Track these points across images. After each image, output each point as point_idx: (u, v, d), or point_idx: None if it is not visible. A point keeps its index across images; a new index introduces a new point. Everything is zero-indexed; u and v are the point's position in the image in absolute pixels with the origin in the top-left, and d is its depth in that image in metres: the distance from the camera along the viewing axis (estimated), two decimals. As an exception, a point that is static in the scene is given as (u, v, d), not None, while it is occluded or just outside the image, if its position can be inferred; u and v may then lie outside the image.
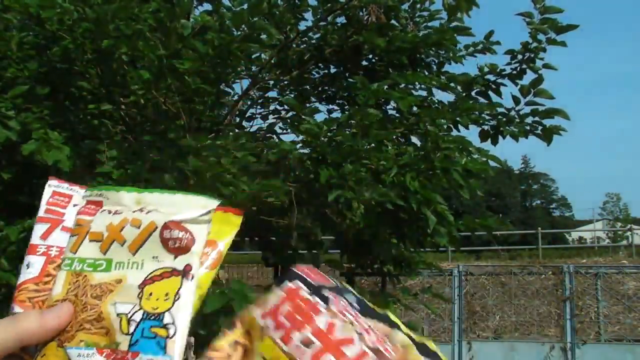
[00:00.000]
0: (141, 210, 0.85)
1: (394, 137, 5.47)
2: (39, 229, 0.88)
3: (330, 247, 6.66)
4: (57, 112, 4.78)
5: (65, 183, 0.95)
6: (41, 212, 0.90)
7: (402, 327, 0.82)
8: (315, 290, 0.82)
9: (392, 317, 0.84)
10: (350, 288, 0.87)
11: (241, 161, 4.92)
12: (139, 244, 0.82)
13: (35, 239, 0.86)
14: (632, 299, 9.85)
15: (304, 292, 0.81)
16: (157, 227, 0.83)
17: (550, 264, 11.75)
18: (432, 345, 0.82)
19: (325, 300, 0.80)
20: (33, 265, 0.85)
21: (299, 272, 0.84)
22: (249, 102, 6.83)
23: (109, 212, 0.87)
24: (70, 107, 5.04)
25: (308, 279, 0.83)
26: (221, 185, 4.79)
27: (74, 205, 0.90)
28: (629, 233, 22.96)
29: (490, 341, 9.53)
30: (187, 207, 0.85)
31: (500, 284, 10.32)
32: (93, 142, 4.74)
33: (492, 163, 5.18)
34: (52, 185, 0.95)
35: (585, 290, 9.82)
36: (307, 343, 0.75)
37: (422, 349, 0.78)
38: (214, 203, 0.87)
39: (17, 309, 0.81)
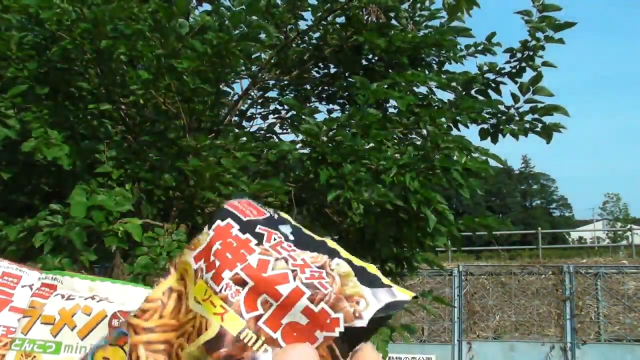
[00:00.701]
0: (93, 298, 0.88)
1: (394, 137, 5.46)
2: (22, 322, 0.90)
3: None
4: (57, 112, 4.78)
5: (15, 264, 0.98)
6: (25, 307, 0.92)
7: (342, 252, 0.80)
8: (247, 226, 0.79)
9: (330, 243, 0.82)
10: (286, 217, 0.84)
11: (241, 161, 4.91)
12: (88, 329, 0.84)
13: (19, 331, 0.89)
14: (632, 299, 9.84)
15: (235, 229, 0.78)
16: (106, 315, 0.86)
17: (550, 264, 11.74)
18: (371, 268, 0.79)
19: (258, 237, 0.77)
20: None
21: (230, 209, 0.81)
22: (249, 102, 6.83)
23: (62, 296, 0.90)
24: (69, 107, 5.04)
25: (239, 216, 0.80)
26: (221, 185, 4.79)
27: (23, 286, 0.92)
28: (628, 233, 22.96)
29: (490, 341, 9.52)
30: (136, 298, 0.87)
31: (500, 284, 10.31)
32: (93, 142, 4.74)
33: (492, 162, 5.18)
34: (2, 267, 0.97)
35: (585, 290, 9.82)
36: (239, 282, 0.72)
37: (361, 274, 0.76)
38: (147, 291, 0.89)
39: None
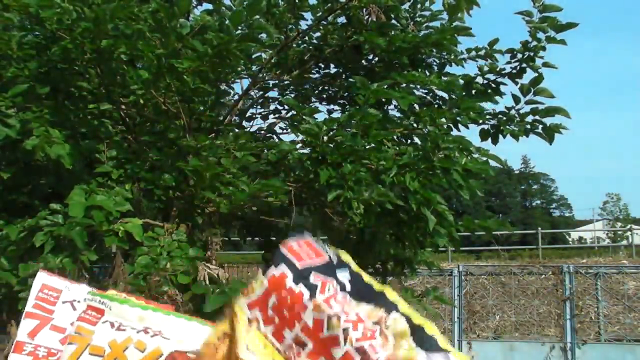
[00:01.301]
0: (145, 331, 0.83)
1: (394, 137, 5.46)
2: (26, 325, 0.85)
3: (335, 247, 6.65)
4: (57, 112, 4.78)
5: (56, 276, 0.93)
6: (29, 307, 0.87)
7: (402, 306, 0.78)
8: (300, 275, 0.79)
9: (390, 295, 0.81)
10: (347, 259, 0.84)
11: (241, 161, 4.91)
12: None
13: (22, 335, 0.83)
14: (632, 299, 9.84)
15: (289, 280, 0.78)
16: (162, 355, 0.82)
17: (550, 264, 11.74)
18: (430, 328, 0.78)
19: (312, 288, 0.77)
20: None
21: (286, 254, 0.81)
22: (249, 102, 6.83)
23: (112, 325, 0.85)
24: (70, 107, 5.04)
25: (294, 262, 0.80)
26: (221, 185, 4.79)
27: (64, 302, 0.87)
28: (629, 233, 22.96)
29: (490, 341, 9.52)
30: (191, 335, 0.83)
31: (500, 284, 10.31)
32: (93, 142, 4.74)
33: (492, 163, 5.18)
34: (42, 278, 0.92)
35: (585, 290, 9.82)
36: (300, 343, 0.73)
37: (419, 333, 0.75)
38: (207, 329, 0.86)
39: None
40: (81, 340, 0.83)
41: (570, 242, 35.85)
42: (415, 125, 5.41)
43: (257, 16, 4.51)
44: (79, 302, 0.90)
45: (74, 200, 4.21)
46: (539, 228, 24.58)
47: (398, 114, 5.77)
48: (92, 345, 0.83)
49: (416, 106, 5.64)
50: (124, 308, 0.86)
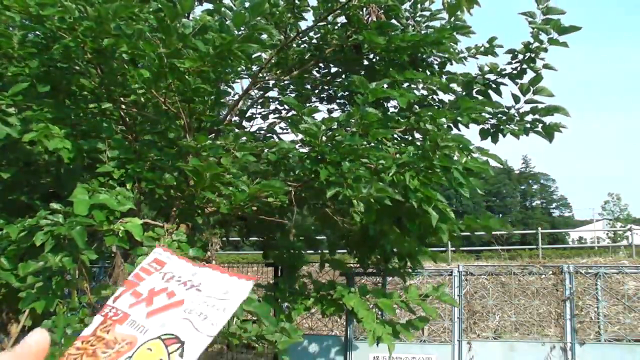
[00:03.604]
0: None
1: (394, 136, 5.47)
2: (118, 291, 0.91)
3: (336, 246, 6.66)
4: (58, 110, 4.78)
5: (169, 251, 0.97)
6: (131, 275, 0.93)
7: None
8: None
9: None
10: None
11: (241, 161, 4.92)
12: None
13: (110, 300, 0.89)
14: (632, 299, 9.84)
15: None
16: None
17: (550, 264, 11.74)
18: None
19: None
20: (91, 324, 0.88)
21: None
22: (249, 102, 6.83)
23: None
24: (70, 106, 5.04)
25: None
26: (221, 186, 4.80)
27: (159, 272, 0.92)
28: (629, 233, 22.96)
29: (490, 341, 9.52)
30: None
31: (500, 284, 10.32)
32: (94, 141, 4.74)
33: (492, 162, 5.18)
34: (156, 252, 0.98)
35: (585, 290, 9.82)
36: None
37: None
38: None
39: None
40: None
41: (570, 242, 35.84)
42: (415, 124, 5.42)
43: (258, 19, 4.51)
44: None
45: (78, 198, 4.21)
46: (539, 228, 24.58)
47: (398, 113, 5.77)
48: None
49: (416, 106, 5.65)
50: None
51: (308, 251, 6.96)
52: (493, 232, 5.95)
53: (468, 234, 5.90)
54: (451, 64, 6.05)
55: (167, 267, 0.93)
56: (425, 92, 5.93)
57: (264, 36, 4.75)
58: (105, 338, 0.84)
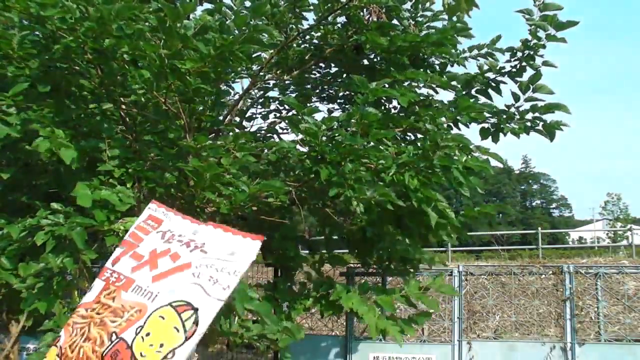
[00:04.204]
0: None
1: (394, 135, 5.46)
2: (116, 252, 0.88)
3: (336, 245, 6.67)
4: (58, 111, 4.78)
5: (163, 207, 0.95)
6: (127, 235, 0.90)
7: None
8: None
9: None
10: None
11: (241, 161, 4.92)
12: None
13: (109, 262, 0.87)
14: (632, 299, 9.84)
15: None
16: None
17: (550, 264, 11.73)
18: None
19: None
20: (92, 289, 0.85)
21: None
22: (249, 102, 6.83)
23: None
24: (71, 106, 5.04)
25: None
26: (221, 186, 4.80)
27: (157, 232, 0.89)
28: (629, 233, 22.95)
29: (490, 341, 9.51)
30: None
31: (500, 284, 10.31)
32: (94, 141, 4.74)
33: (492, 161, 5.19)
34: (151, 209, 0.96)
35: (585, 290, 9.82)
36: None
37: None
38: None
39: (62, 332, 0.81)
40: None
41: (570, 242, 35.83)
42: (415, 124, 5.42)
43: (258, 21, 4.52)
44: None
45: (80, 193, 4.22)
46: (539, 228, 24.57)
47: (398, 112, 5.78)
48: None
49: (416, 106, 5.65)
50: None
51: (308, 251, 6.96)
52: (493, 232, 5.94)
53: (467, 234, 5.89)
54: (452, 66, 6.05)
55: (165, 224, 0.91)
56: (425, 92, 5.93)
57: (265, 36, 4.75)
58: (112, 306, 0.82)
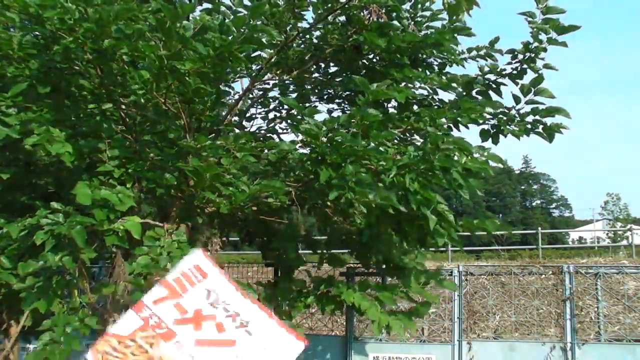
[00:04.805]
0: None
1: (394, 137, 5.46)
2: (157, 291, 0.84)
3: (336, 246, 6.67)
4: (58, 111, 4.78)
5: (209, 259, 0.92)
6: (171, 276, 0.87)
7: None
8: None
9: None
10: None
11: (241, 161, 4.92)
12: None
13: (148, 299, 0.83)
14: (632, 299, 9.84)
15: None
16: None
17: (550, 264, 11.73)
18: None
19: None
20: (129, 322, 0.81)
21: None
22: (249, 102, 6.83)
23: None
24: (70, 106, 5.05)
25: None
26: (221, 186, 4.80)
27: (205, 290, 0.87)
28: (629, 233, 22.93)
29: (490, 341, 9.52)
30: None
31: (500, 284, 10.31)
32: (94, 141, 4.75)
33: (492, 162, 5.18)
34: (198, 257, 0.92)
35: (585, 290, 9.82)
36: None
37: None
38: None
39: (89, 356, 0.79)
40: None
41: (570, 242, 35.81)
42: (416, 124, 5.42)
43: (259, 21, 4.51)
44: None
45: (80, 191, 4.22)
46: (539, 228, 24.56)
47: (398, 113, 5.77)
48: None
49: (415, 107, 5.64)
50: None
51: (307, 251, 6.96)
52: (493, 233, 5.93)
53: (468, 233, 5.90)
54: (450, 66, 6.05)
55: (210, 282, 0.88)
56: (425, 92, 5.93)
57: (264, 38, 4.75)
58: (149, 352, 0.78)
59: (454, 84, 5.82)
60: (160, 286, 0.84)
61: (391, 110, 5.95)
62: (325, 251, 6.45)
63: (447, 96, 6.12)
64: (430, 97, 5.97)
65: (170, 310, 0.81)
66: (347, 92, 6.43)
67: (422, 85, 5.76)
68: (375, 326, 5.46)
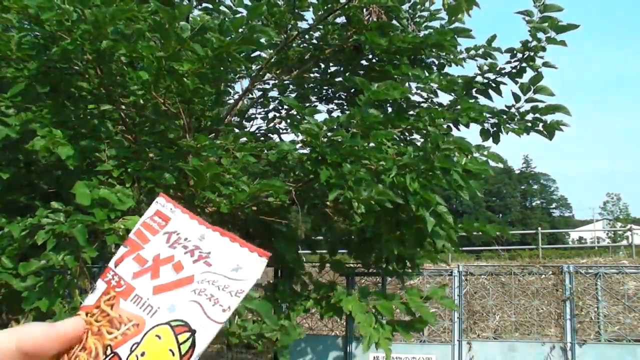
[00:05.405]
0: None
1: (394, 137, 5.46)
2: (120, 251, 0.82)
3: (335, 246, 6.67)
4: (57, 111, 4.78)
5: (172, 203, 0.89)
6: (132, 233, 0.85)
7: None
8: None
9: None
10: None
11: (241, 161, 4.92)
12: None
13: (112, 262, 0.81)
14: (632, 299, 9.84)
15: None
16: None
17: (550, 264, 11.74)
18: None
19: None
20: (95, 291, 0.80)
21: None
22: (249, 102, 6.83)
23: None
24: (70, 107, 5.04)
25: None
26: (221, 186, 4.79)
27: (164, 234, 0.84)
28: (629, 233, 22.97)
29: (490, 341, 9.52)
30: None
31: (500, 284, 10.31)
32: (93, 141, 4.74)
33: (492, 162, 5.18)
34: (159, 203, 0.90)
35: (585, 290, 9.83)
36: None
37: None
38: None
39: None
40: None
41: (570, 242, 35.84)
42: (415, 123, 5.42)
43: (258, 19, 4.51)
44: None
45: (79, 191, 4.22)
46: (539, 228, 24.58)
47: (397, 113, 5.77)
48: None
49: (415, 108, 5.64)
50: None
51: (307, 251, 6.97)
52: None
53: (467, 234, 5.90)
54: (450, 66, 6.05)
55: (172, 224, 0.85)
56: (424, 95, 5.93)
57: (262, 39, 4.75)
58: (110, 314, 0.77)
59: (454, 87, 5.82)
60: (123, 245, 0.82)
61: (390, 110, 5.95)
62: (326, 253, 6.44)
63: (446, 98, 6.12)
64: (429, 100, 5.98)
65: (130, 265, 0.79)
66: (347, 92, 6.43)
67: (421, 86, 5.76)
68: (364, 342, 5.34)
